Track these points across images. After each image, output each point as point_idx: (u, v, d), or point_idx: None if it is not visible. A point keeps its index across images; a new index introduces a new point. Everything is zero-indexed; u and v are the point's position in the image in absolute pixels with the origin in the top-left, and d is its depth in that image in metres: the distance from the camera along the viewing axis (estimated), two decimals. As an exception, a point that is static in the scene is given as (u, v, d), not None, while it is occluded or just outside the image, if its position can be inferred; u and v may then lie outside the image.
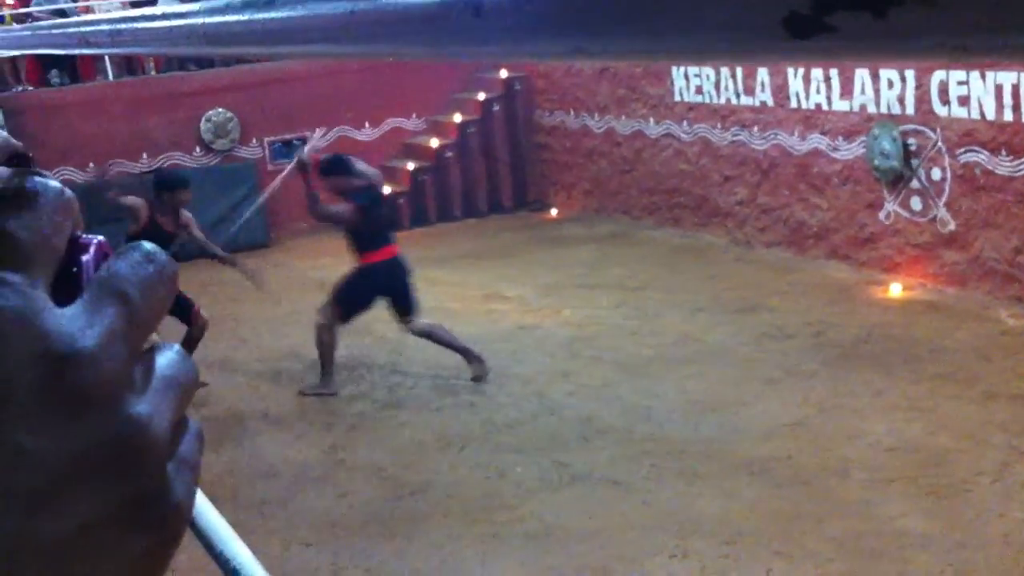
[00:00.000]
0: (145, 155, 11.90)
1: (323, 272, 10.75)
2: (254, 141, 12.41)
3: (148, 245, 0.41)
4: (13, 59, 11.52)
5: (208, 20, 0.98)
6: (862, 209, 9.17)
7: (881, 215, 9.01)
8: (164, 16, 1.26)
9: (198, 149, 12.15)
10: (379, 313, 9.12)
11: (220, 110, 12.13)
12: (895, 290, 8.51)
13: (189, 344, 7.27)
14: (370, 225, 7.07)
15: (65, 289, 0.38)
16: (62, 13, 12.05)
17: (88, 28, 1.72)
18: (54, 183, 0.40)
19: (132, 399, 0.36)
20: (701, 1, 0.37)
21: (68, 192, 0.40)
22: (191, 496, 0.38)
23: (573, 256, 10.64)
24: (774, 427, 6.20)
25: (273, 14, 0.79)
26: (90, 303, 0.37)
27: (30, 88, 12.21)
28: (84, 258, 0.40)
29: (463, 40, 0.59)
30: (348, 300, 7.25)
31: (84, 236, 0.41)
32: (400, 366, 7.84)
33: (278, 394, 7.55)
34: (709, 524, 5.13)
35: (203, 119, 12.08)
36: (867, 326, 7.77)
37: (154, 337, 0.40)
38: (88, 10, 12.35)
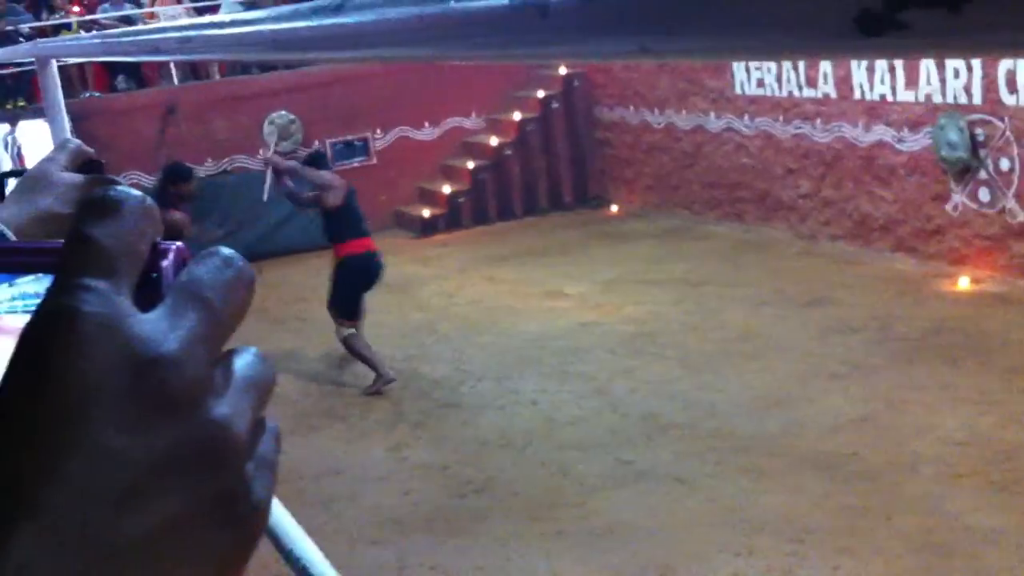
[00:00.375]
0: (209, 159, 12.08)
1: (386, 271, 10.84)
2: (316, 142, 12.54)
3: (227, 250, 0.42)
4: (81, 65, 11.75)
5: (277, 27, 1.00)
6: (928, 201, 9.02)
7: (948, 207, 8.85)
8: (233, 23, 1.28)
9: (262, 151, 12.30)
10: (445, 314, 9.19)
11: (283, 112, 12.27)
12: (963, 283, 8.35)
13: None
14: (348, 214, 7.41)
15: (147, 294, 0.39)
16: (128, 20, 12.28)
17: (158, 36, 1.76)
18: (136, 192, 0.41)
19: (214, 401, 0.37)
20: (776, 2, 0.37)
21: (149, 200, 0.41)
22: (270, 495, 0.39)
23: (634, 252, 10.60)
24: (840, 422, 6.13)
25: (342, 19, 0.81)
26: (172, 308, 0.38)
27: (97, 94, 12.44)
28: (164, 263, 0.41)
29: (530, 42, 0.59)
30: (343, 301, 7.44)
31: (163, 242, 0.42)
32: (462, 364, 7.87)
33: (342, 392, 7.62)
34: (775, 521, 5.09)
35: (266, 121, 12.21)
36: (935, 319, 7.64)
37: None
38: (153, 16, 12.57)
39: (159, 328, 0.37)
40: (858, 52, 0.36)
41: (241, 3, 12.77)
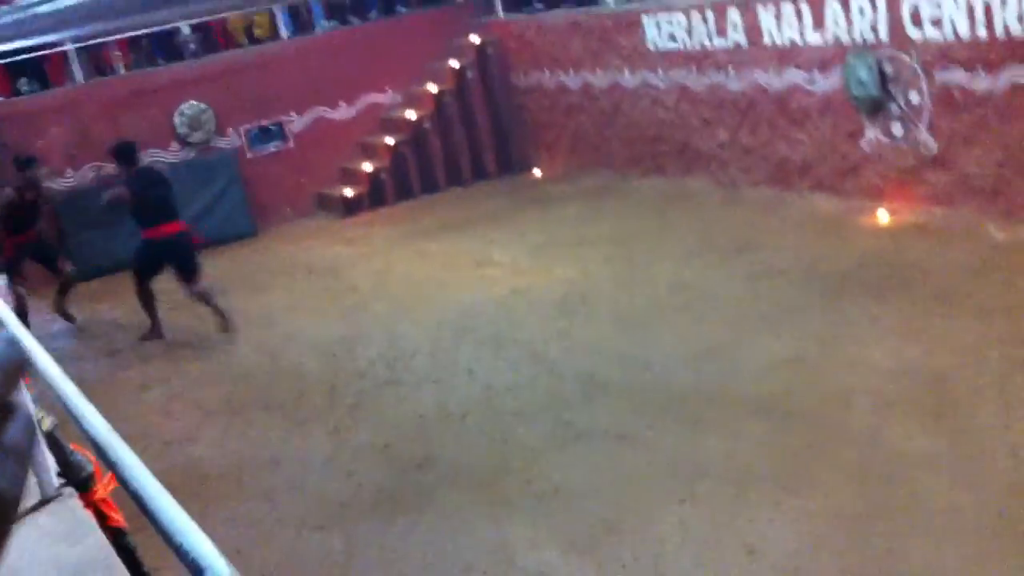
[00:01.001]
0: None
1: (312, 255, 10.74)
2: (230, 131, 12.32)
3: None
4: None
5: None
6: (844, 139, 9.12)
7: (863, 144, 8.96)
8: None
9: (174, 144, 12.07)
10: (375, 293, 9.12)
11: (193, 103, 12.03)
12: (883, 217, 8.48)
13: (64, 290, 9.46)
14: (146, 207, 8.32)
15: None
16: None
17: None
18: None
19: None
20: None
21: None
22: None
23: (560, 215, 10.60)
24: (774, 364, 6.20)
25: None
26: None
27: (1, 98, 12.10)
28: None
29: None
30: (141, 268, 8.56)
31: None
32: (396, 341, 7.82)
33: (276, 382, 7.53)
34: (716, 467, 5.14)
35: (176, 113, 11.97)
36: (858, 255, 7.75)
37: None
38: None
39: None
40: None
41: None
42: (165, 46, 12.99)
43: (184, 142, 12.06)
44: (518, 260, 9.33)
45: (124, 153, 8.64)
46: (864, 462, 4.96)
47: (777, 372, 6.09)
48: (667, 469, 5.22)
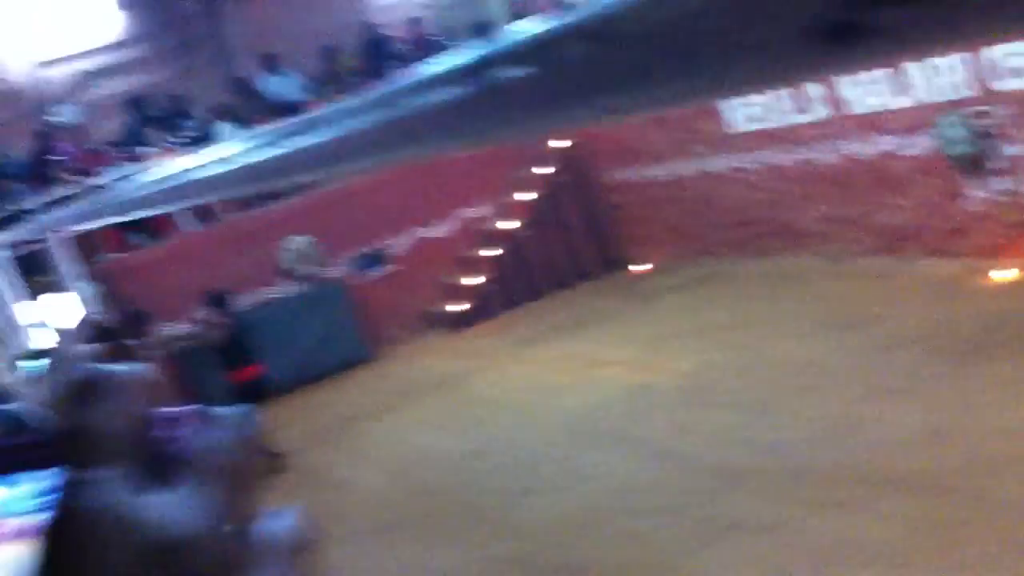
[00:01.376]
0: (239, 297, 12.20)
1: (429, 373, 10.88)
2: (334, 260, 12.68)
3: (234, 412, 0.44)
4: (92, 231, 11.95)
5: (251, 160, 1.05)
6: (946, 200, 9.02)
7: (966, 202, 8.85)
8: (211, 163, 1.34)
9: (281, 279, 12.43)
10: (495, 403, 9.18)
11: (296, 237, 12.42)
12: (1000, 274, 8.31)
13: None
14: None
15: (165, 466, 0.42)
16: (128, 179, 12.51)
17: (145, 191, 1.83)
18: (122, 368, 0.44)
19: (250, 574, 0.39)
20: (727, 35, 0.38)
21: (139, 372, 0.43)
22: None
23: (669, 307, 10.61)
24: (911, 437, 6.06)
25: (310, 140, 0.84)
26: (185, 484, 0.41)
27: (113, 255, 12.62)
28: (177, 432, 0.44)
29: (486, 122, 0.62)
30: None
31: (173, 410, 0.45)
32: (522, 450, 7.84)
33: (408, 501, 7.58)
34: (874, 550, 5.01)
35: (282, 249, 12.37)
36: (980, 316, 7.59)
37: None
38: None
39: (173, 510, 0.39)
40: (830, 67, 0.37)
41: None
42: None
43: (291, 276, 12.42)
44: (632, 357, 9.34)
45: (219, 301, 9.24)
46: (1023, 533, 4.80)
47: (916, 445, 5.95)
48: (823, 557, 5.11)
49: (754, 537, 5.54)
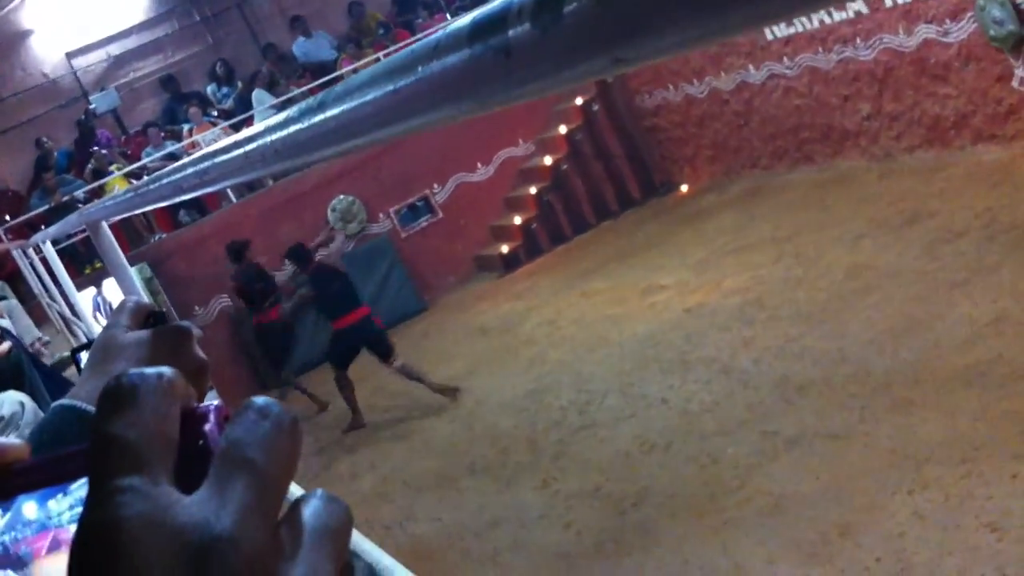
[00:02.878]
0: (286, 262, 12.28)
1: (483, 317, 10.90)
2: (381, 215, 12.69)
3: (260, 401, 0.40)
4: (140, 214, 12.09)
5: (275, 136, 1.01)
6: (994, 84, 8.73)
7: (1015, 83, 8.55)
8: (236, 144, 1.31)
9: (325, 235, 12.50)
10: (552, 341, 9.18)
11: (341, 197, 12.46)
12: (1056, 153, 8.05)
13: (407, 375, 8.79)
14: (329, 301, 8.86)
15: (195, 465, 0.38)
16: (173, 156, 12.62)
17: (178, 176, 1.80)
18: (150, 371, 0.40)
19: (287, 567, 0.36)
20: None
21: (168, 373, 0.40)
22: None
23: (717, 226, 10.47)
24: (976, 331, 5.93)
25: (328, 113, 0.81)
26: (217, 481, 0.37)
27: (164, 235, 12.78)
28: (207, 427, 0.40)
29: (500, 87, 0.59)
30: (335, 360, 9.03)
31: (201, 406, 0.41)
32: (584, 385, 7.84)
33: (477, 447, 7.64)
34: (939, 448, 4.93)
35: (328, 210, 12.42)
36: (1038, 199, 7.37)
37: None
38: (194, 146, 12.90)
39: (207, 508, 0.36)
40: None
41: (275, 108, 13.02)
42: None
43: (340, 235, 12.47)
44: (685, 280, 9.24)
45: (299, 255, 9.15)
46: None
47: (982, 338, 5.82)
48: (889, 460, 5.04)
49: (818, 447, 5.49)
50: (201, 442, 0.40)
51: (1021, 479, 4.45)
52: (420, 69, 0.71)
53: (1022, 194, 7.61)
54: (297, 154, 1.11)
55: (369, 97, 0.79)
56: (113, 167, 13.27)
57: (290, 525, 0.38)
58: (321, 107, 0.90)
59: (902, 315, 6.56)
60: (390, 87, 0.74)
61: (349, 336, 8.80)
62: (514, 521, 6.28)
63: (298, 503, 0.39)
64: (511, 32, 0.56)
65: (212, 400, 0.42)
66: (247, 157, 1.29)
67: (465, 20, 0.66)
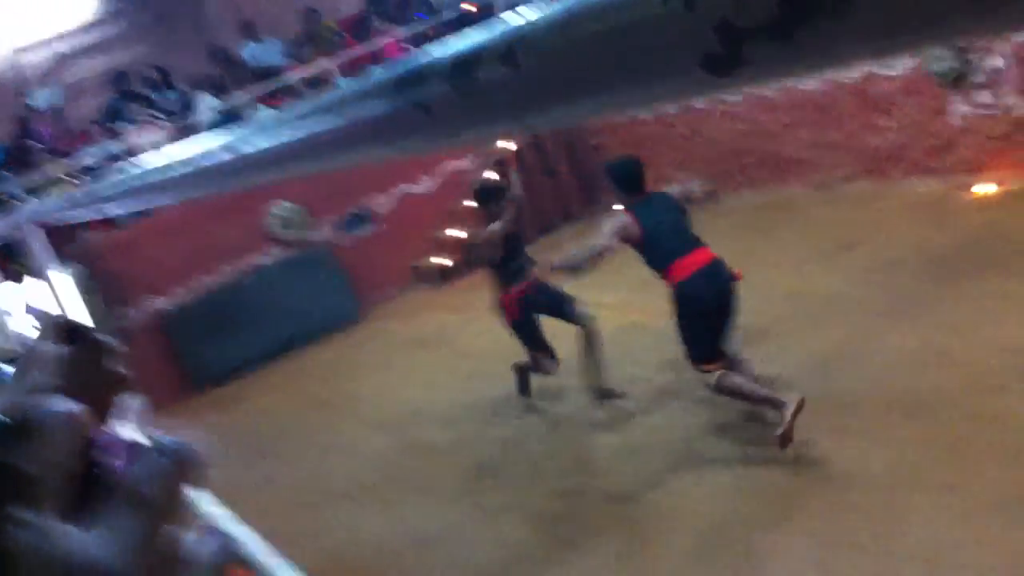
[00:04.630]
0: (224, 265, 12.16)
1: (421, 329, 10.86)
2: (322, 223, 12.60)
3: (164, 439, 0.39)
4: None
5: (205, 164, 0.99)
6: (931, 118, 8.91)
7: (951, 118, 8.73)
8: (170, 167, 1.29)
9: (271, 246, 12.39)
10: (488, 355, 9.15)
11: (283, 203, 12.34)
12: (987, 188, 8.22)
13: (589, 349, 7.16)
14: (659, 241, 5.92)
15: (96, 495, 0.36)
16: (114, 157, 12.41)
17: (122, 186, 1.77)
18: (60, 406, 0.38)
19: None
20: (627, 64, 0.35)
21: (75, 412, 0.38)
22: None
23: (658, 245, 10.50)
24: (909, 359, 6.02)
25: (252, 147, 0.80)
26: (111, 517, 0.35)
27: (99, 232, 12.55)
28: (110, 459, 0.39)
29: (420, 138, 0.58)
30: (691, 332, 5.80)
31: (106, 436, 0.39)
32: (520, 400, 7.80)
33: (409, 459, 7.58)
34: (869, 473, 4.99)
35: (269, 214, 12.29)
36: (970, 231, 7.52)
37: None
38: (135, 147, 12.69)
39: (97, 544, 0.34)
40: (715, 90, 0.34)
41: (221, 113, 12.90)
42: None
43: (279, 242, 12.36)
44: (622, 299, 9.26)
45: (627, 179, 6.11)
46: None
47: (914, 367, 5.91)
48: (819, 482, 5.09)
49: (752, 469, 5.51)
50: (101, 472, 0.38)
51: (950, 509, 4.51)
52: (347, 113, 0.70)
53: (955, 226, 7.76)
54: (224, 179, 1.09)
55: (299, 133, 0.78)
56: (46, 165, 13.00)
57: (173, 556, 0.36)
58: (244, 140, 0.88)
59: (840, 341, 6.64)
60: (318, 126, 0.73)
61: (704, 288, 5.75)
62: (441, 537, 6.22)
63: (192, 538, 0.37)
64: (431, 89, 0.56)
65: (133, 406, 0.40)
66: (178, 182, 1.27)
67: (390, 72, 0.66)
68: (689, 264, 5.72)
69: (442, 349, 9.91)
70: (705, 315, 5.64)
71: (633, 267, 9.97)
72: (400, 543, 6.31)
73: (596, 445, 6.59)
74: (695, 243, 5.86)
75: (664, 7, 0.41)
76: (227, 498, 3.68)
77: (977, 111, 8.48)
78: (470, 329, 10.14)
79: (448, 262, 12.42)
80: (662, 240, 5.81)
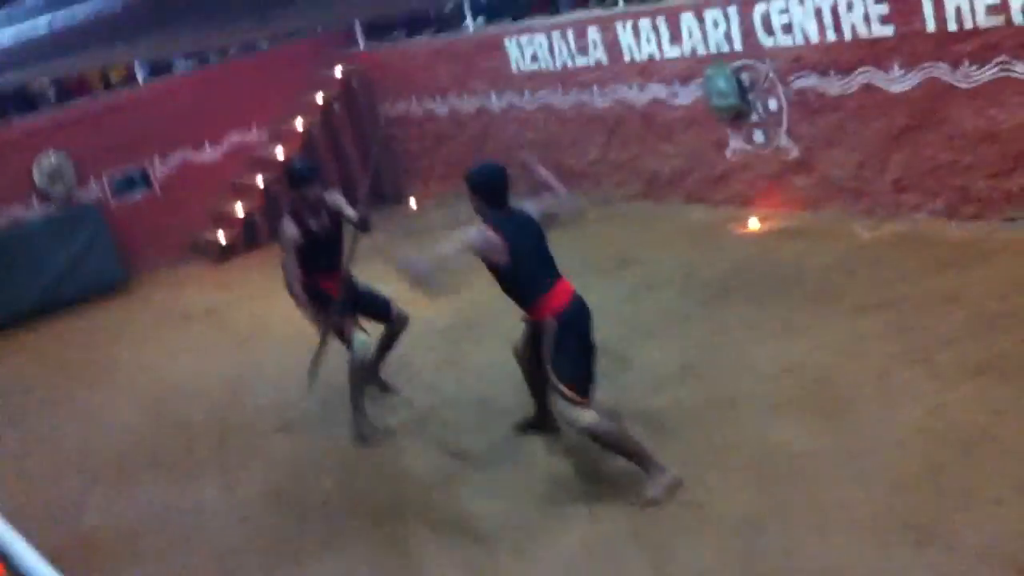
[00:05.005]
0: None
1: (190, 303, 10.48)
2: (92, 181, 11.95)
3: None
4: None
5: None
6: (710, 150, 9.35)
7: (728, 152, 9.20)
8: None
9: (35, 199, 11.65)
10: (258, 336, 8.92)
11: (51, 154, 11.62)
12: (753, 223, 8.71)
13: (390, 340, 6.98)
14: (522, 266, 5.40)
15: None
16: None
17: None
18: None
19: None
20: None
21: None
22: None
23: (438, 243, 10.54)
24: (662, 376, 6.29)
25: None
26: None
27: None
28: None
29: (148, 34, 0.54)
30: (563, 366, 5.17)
31: None
32: (283, 385, 7.65)
33: (163, 437, 7.30)
34: (612, 481, 5.17)
35: (34, 166, 11.55)
36: (734, 261, 7.94)
37: None
38: None
39: None
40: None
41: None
42: (18, 95, 12.52)
43: (45, 196, 11.64)
44: (400, 292, 9.23)
45: (491, 189, 5.44)
46: (756, 464, 5.06)
47: (665, 383, 6.18)
48: (565, 488, 5.24)
49: (503, 471, 5.62)
50: None
51: (681, 520, 4.73)
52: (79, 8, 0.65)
53: (721, 255, 8.17)
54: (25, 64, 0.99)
55: (29, 28, 0.71)
56: None
57: None
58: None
59: (599, 353, 6.83)
60: (45, 23, 0.67)
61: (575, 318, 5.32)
62: (190, 518, 6.02)
63: None
64: None
65: None
66: None
67: None
68: (561, 294, 5.34)
69: (208, 326, 9.60)
70: (583, 343, 5.23)
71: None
72: (148, 520, 6.06)
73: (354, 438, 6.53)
74: (557, 272, 5.47)
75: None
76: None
77: (752, 148, 8.97)
78: (240, 309, 9.88)
79: (226, 240, 12.02)
80: (530, 267, 5.34)
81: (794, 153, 8.63)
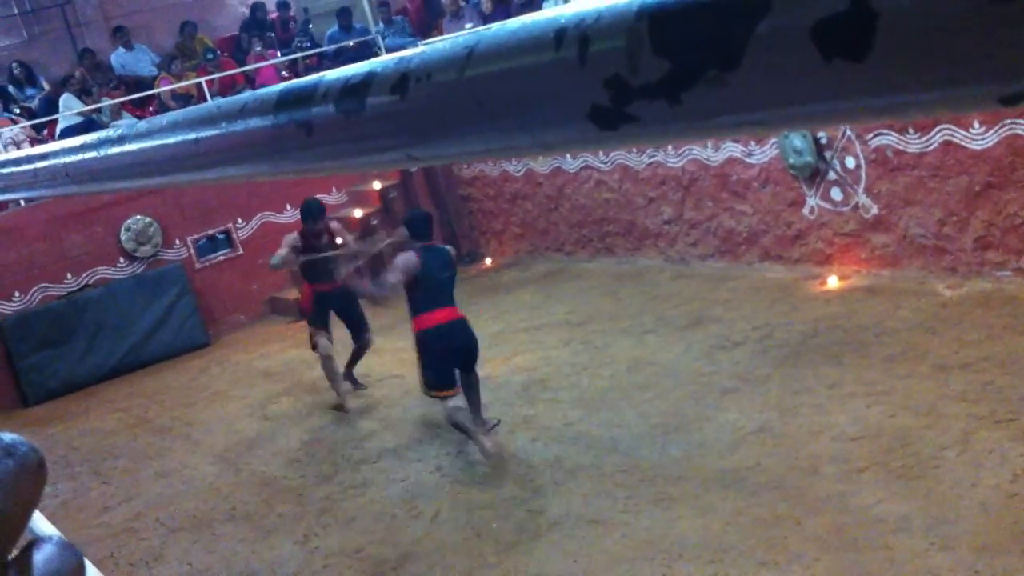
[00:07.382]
0: (69, 274, 11.72)
1: (269, 360, 10.66)
2: (177, 242, 12.29)
3: (7, 439, 0.39)
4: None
5: (69, 160, 0.97)
6: (786, 208, 9.30)
7: (805, 211, 9.14)
8: (28, 159, 1.26)
9: (122, 260, 12.01)
10: (328, 394, 9.04)
11: (138, 217, 12.00)
12: (832, 281, 8.62)
13: (355, 358, 8.85)
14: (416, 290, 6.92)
15: None
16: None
17: None
18: None
19: None
20: (516, 107, 0.37)
21: None
22: None
23: (515, 301, 10.64)
24: (739, 436, 6.23)
25: (126, 147, 0.79)
26: None
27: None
28: None
29: (299, 158, 0.59)
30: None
31: None
32: (361, 442, 7.75)
33: (242, 492, 7.41)
34: (691, 545, 5.12)
35: (122, 229, 11.93)
36: (811, 321, 7.85)
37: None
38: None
39: None
40: (599, 145, 0.36)
41: (82, 115, 12.51)
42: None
43: (132, 257, 12.00)
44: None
45: (419, 227, 7.16)
46: (837, 529, 4.97)
47: (743, 444, 6.12)
48: (642, 551, 5.19)
49: (578, 531, 5.59)
50: None
51: (762, 584, 4.66)
52: (224, 125, 0.70)
53: (798, 314, 8.09)
54: (87, 182, 1.06)
55: (170, 141, 0.77)
56: None
57: (19, 568, 0.36)
58: (120, 141, 0.87)
59: (675, 413, 6.81)
60: (192, 136, 0.73)
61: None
62: (266, 570, 6.09)
63: (31, 547, 0.37)
64: (315, 110, 0.57)
65: None
66: (36, 175, 1.24)
67: (273, 89, 0.66)
68: (433, 319, 6.84)
69: (286, 384, 9.74)
70: (439, 358, 6.80)
71: (486, 320, 10.09)
72: (223, 573, 6.13)
73: (426, 496, 6.55)
74: (447, 302, 6.96)
75: (556, 53, 0.44)
76: (53, 519, 3.53)
77: (829, 207, 8.91)
78: (316, 367, 9.99)
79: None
80: (427, 288, 6.85)
81: (873, 211, 8.55)
